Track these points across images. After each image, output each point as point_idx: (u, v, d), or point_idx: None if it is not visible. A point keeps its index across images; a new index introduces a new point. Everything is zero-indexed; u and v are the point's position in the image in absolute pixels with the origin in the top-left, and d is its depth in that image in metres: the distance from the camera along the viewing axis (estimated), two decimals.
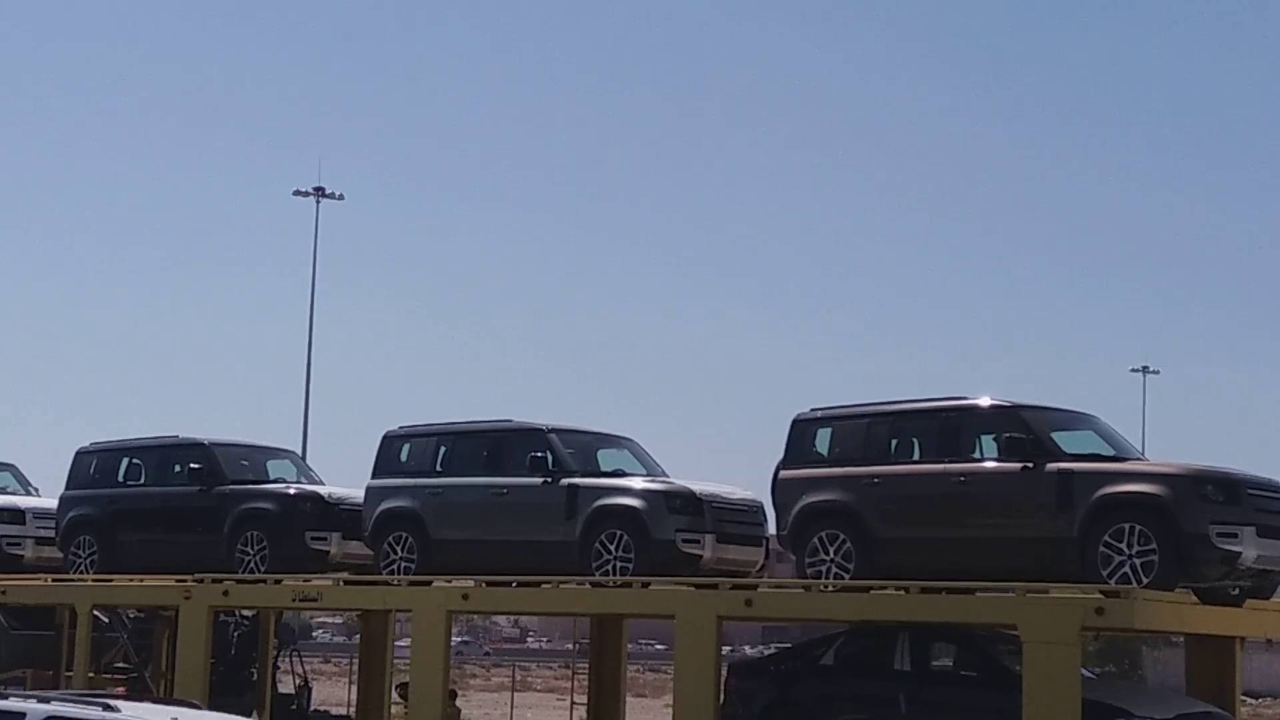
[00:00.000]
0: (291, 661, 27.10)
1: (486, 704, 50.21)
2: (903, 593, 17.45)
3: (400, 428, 21.80)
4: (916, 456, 17.91)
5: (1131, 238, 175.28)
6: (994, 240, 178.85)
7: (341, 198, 73.36)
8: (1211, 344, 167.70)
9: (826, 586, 17.89)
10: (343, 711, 30.93)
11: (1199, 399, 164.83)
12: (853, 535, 17.78)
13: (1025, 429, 17.00)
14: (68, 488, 24.20)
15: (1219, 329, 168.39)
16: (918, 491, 17.57)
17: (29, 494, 26.24)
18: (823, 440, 18.62)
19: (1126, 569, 16.00)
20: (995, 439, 17.25)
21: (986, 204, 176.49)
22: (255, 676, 26.45)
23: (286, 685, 26.85)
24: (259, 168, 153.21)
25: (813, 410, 18.87)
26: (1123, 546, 16.04)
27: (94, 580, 23.39)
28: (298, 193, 70.53)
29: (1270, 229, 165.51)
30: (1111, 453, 17.18)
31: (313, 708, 27.69)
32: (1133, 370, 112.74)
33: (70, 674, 24.08)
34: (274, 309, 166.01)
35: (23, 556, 24.92)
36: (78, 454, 24.42)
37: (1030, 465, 16.79)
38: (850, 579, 17.73)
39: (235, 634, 25.81)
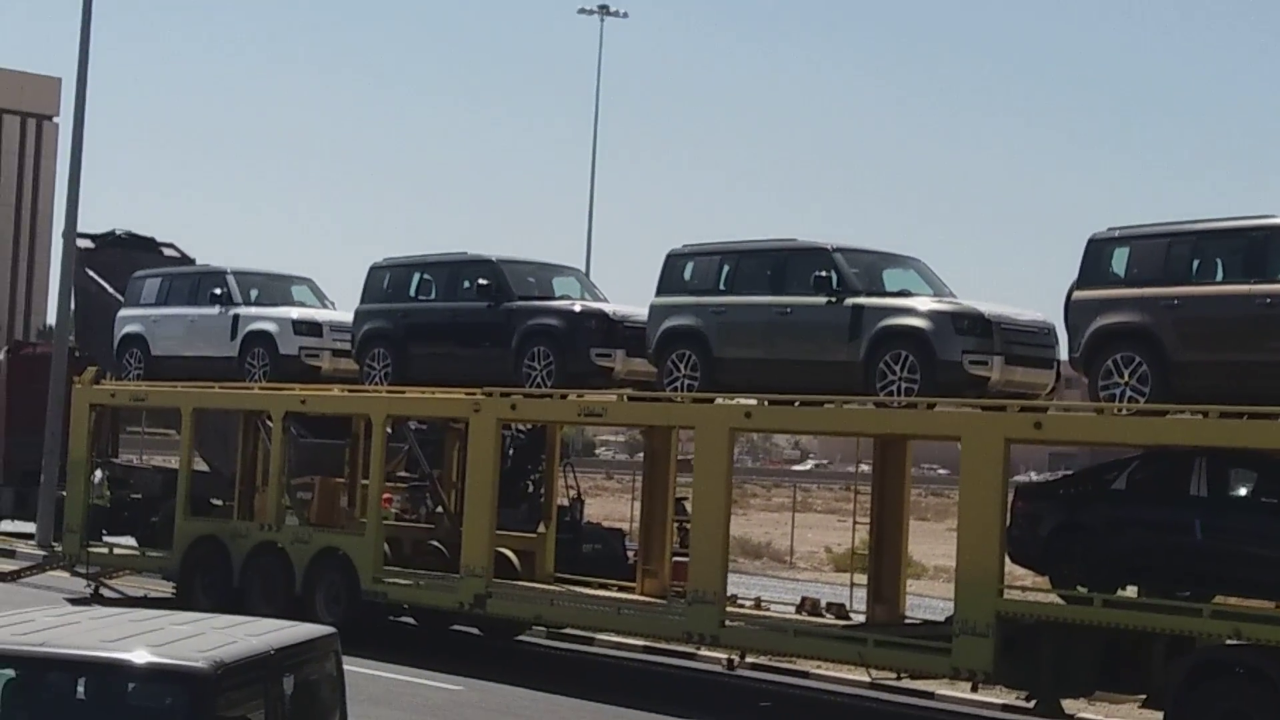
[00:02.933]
0: (566, 475, 27.62)
1: (767, 524, 50.76)
2: (1201, 417, 16.87)
3: (684, 246, 21.75)
4: (1219, 278, 17.17)
5: None
6: None
7: (625, 15, 73.33)
8: None
9: (1120, 410, 17.39)
10: (623, 526, 31.48)
11: None
12: (1149, 358, 17.20)
13: None
14: (362, 301, 24.78)
15: None
16: (1220, 314, 16.87)
17: (325, 307, 26.98)
18: (1119, 260, 17.98)
19: None
20: None
21: None
22: (530, 488, 27.03)
23: (560, 497, 27.39)
24: None
25: (1110, 230, 18.22)
26: None
27: (388, 391, 24.03)
28: (582, 11, 70.68)
29: None
30: None
31: (586, 520, 28.23)
32: None
33: (366, 481, 24.88)
34: (558, 128, 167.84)
35: (320, 368, 25.66)
36: (371, 269, 24.96)
37: None
38: (1145, 403, 17.19)
39: (511, 446, 26.30)
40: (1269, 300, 16.47)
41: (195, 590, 25.29)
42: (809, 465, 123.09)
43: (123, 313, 27.89)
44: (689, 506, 24.55)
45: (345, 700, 9.98)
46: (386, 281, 24.64)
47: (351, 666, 19.23)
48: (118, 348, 27.68)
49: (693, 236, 22.22)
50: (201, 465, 28.86)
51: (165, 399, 27.02)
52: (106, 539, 28.45)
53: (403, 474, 26.76)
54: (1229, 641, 16.34)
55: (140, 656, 8.30)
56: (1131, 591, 17.95)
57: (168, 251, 32.08)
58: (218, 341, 26.27)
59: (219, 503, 27.54)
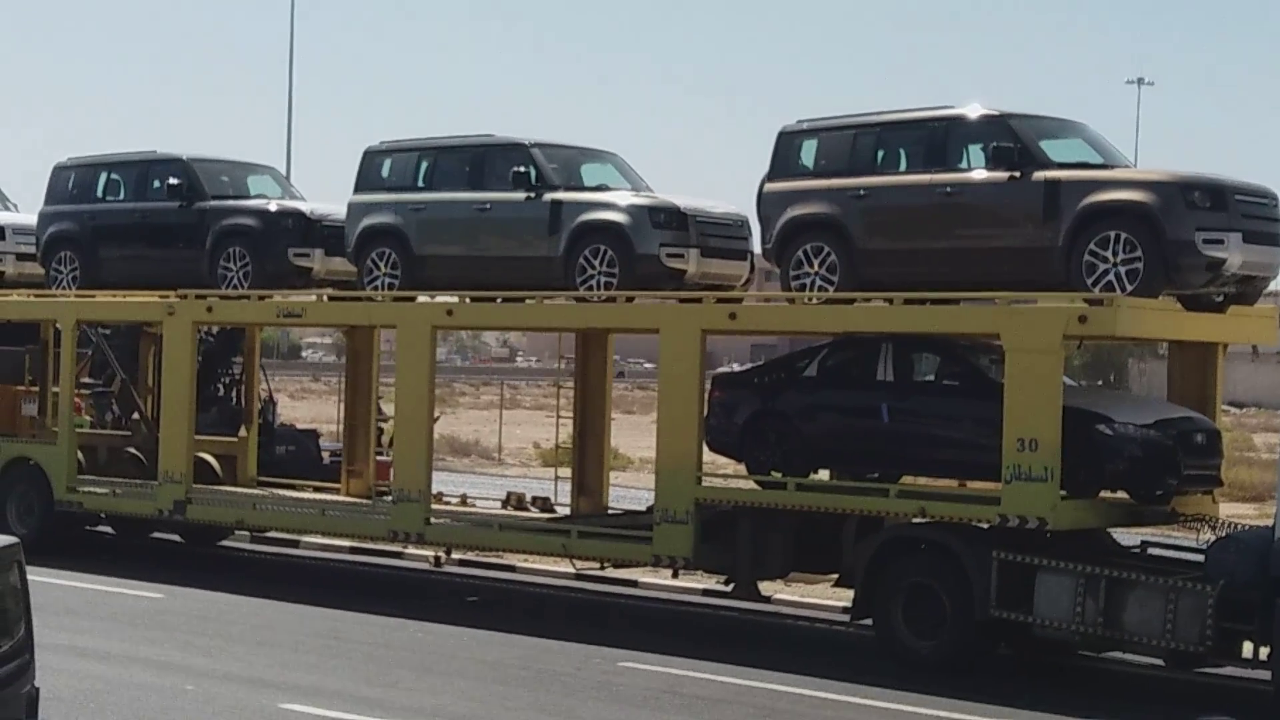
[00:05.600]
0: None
1: (476, 421, 50.84)
2: (887, 304, 17.41)
3: (382, 143, 21.51)
4: (903, 168, 17.66)
5: None
6: None
7: None
8: (1208, 54, 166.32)
9: (810, 299, 17.83)
10: (330, 428, 31.23)
11: (1194, 109, 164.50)
12: (837, 248, 17.62)
13: (1013, 138, 16.71)
14: (46, 203, 23.94)
15: (1215, 38, 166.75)
16: (904, 203, 17.37)
17: (7, 210, 25.98)
18: (808, 153, 18.34)
19: (1111, 277, 15.89)
20: (983, 148, 16.96)
21: None
22: (221, 392, 26.59)
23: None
24: None
25: (799, 122, 18.56)
26: (1108, 255, 15.91)
27: (76, 296, 23.33)
28: None
29: None
30: (1100, 160, 16.95)
31: (279, 422, 27.88)
32: (1128, 82, 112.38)
33: (57, 389, 24.16)
34: (255, 25, 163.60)
35: (3, 273, 24.79)
36: (55, 169, 24.08)
37: (1017, 175, 16.56)
38: (834, 292, 17.66)
39: (201, 350, 25.83)
40: (949, 189, 17.02)
41: None
42: (521, 363, 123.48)
43: None
44: (385, 407, 24.47)
45: (30, 611, 9.75)
46: (71, 182, 23.84)
47: (47, 578, 18.87)
48: None
49: (393, 134, 21.96)
50: None
51: None
52: None
53: (87, 380, 25.94)
54: (915, 520, 16.95)
55: None
56: (824, 475, 18.50)
57: None
58: None
59: None
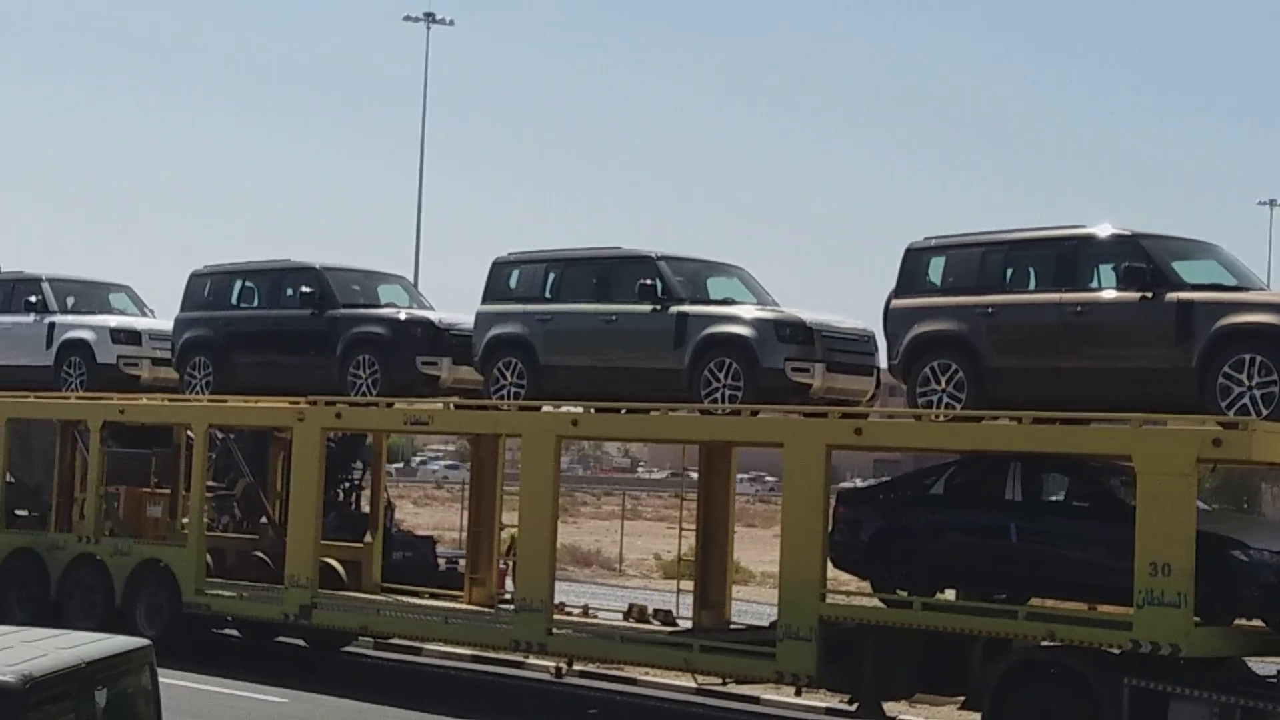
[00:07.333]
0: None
1: (597, 531, 50.85)
2: (1016, 423, 17.24)
3: (510, 254, 21.76)
4: (1032, 286, 17.55)
5: (1260, 65, 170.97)
6: (1119, 70, 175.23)
7: (452, 23, 73.51)
8: None
9: (937, 416, 17.71)
10: (455, 535, 31.36)
11: None
12: (965, 365, 17.53)
13: (1145, 258, 16.58)
14: (182, 309, 24.44)
15: None
16: (1033, 321, 17.25)
17: (144, 315, 26.54)
18: (936, 269, 18.31)
19: (1246, 400, 15.65)
20: (1114, 268, 16.86)
21: (1109, 33, 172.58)
22: (340, 496, 26.82)
23: (365, 505, 27.15)
24: None
25: (926, 239, 18.55)
26: (1242, 377, 15.68)
27: (209, 400, 23.72)
28: (408, 18, 70.46)
29: None
30: (1234, 282, 16.75)
31: (395, 527, 28.02)
32: (1260, 203, 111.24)
33: (187, 492, 24.50)
34: (386, 136, 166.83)
35: (140, 377, 25.27)
36: (192, 276, 24.62)
37: (1149, 295, 16.40)
38: (962, 409, 17.53)
39: None
40: (1079, 308, 16.88)
41: (11, 604, 24.71)
42: (664, 474, 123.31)
43: None
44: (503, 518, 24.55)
45: (160, 713, 9.83)
46: (207, 289, 24.33)
47: (173, 680, 18.99)
48: None
49: (520, 245, 22.22)
50: None
51: None
52: None
53: (210, 483, 26.33)
54: (1044, 643, 16.66)
55: None
56: (950, 595, 18.27)
57: None
58: (32, 350, 25.68)
59: (24, 513, 26.86)
